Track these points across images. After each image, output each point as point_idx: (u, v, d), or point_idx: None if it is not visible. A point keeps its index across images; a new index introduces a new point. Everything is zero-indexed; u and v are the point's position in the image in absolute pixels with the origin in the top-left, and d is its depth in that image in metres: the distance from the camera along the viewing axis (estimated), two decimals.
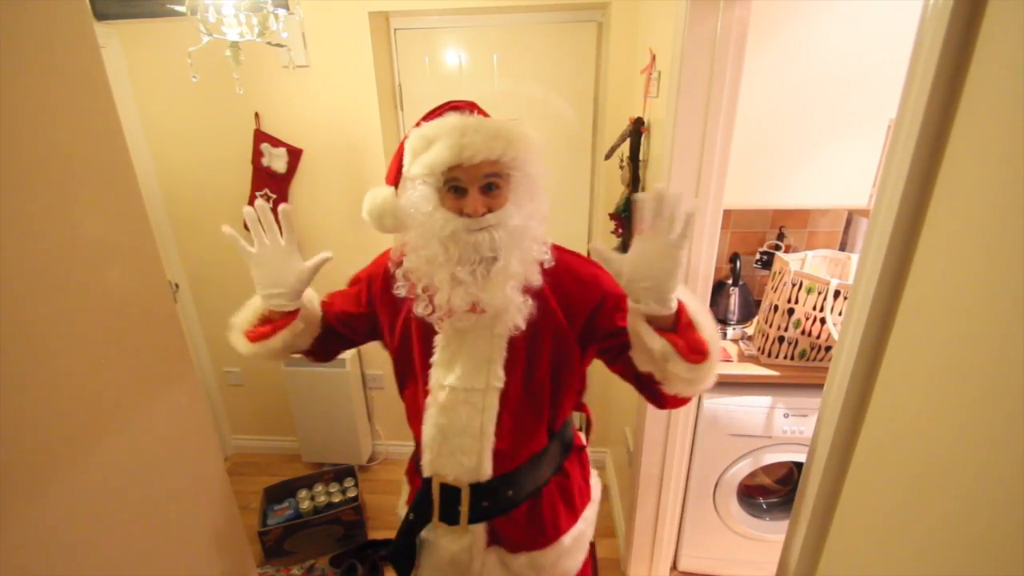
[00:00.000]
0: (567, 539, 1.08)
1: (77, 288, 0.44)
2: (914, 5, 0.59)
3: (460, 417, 0.97)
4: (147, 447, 0.53)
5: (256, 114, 2.08)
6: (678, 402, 0.96)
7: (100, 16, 1.94)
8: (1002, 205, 0.45)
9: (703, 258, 1.47)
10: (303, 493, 2.20)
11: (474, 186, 0.88)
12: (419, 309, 0.95)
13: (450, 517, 1.03)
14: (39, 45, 0.41)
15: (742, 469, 1.75)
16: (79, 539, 0.45)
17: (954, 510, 0.50)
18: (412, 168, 0.91)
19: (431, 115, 0.95)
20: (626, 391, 1.91)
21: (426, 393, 1.01)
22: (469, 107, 0.95)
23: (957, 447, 0.50)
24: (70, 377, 0.44)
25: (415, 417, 1.05)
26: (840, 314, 1.55)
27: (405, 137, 0.95)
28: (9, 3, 0.38)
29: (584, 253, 1.05)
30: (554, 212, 2.32)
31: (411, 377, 1.06)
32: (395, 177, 0.97)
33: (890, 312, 0.62)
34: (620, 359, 0.98)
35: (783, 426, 1.67)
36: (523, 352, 0.98)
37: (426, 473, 1.03)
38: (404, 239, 0.96)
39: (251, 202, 2.12)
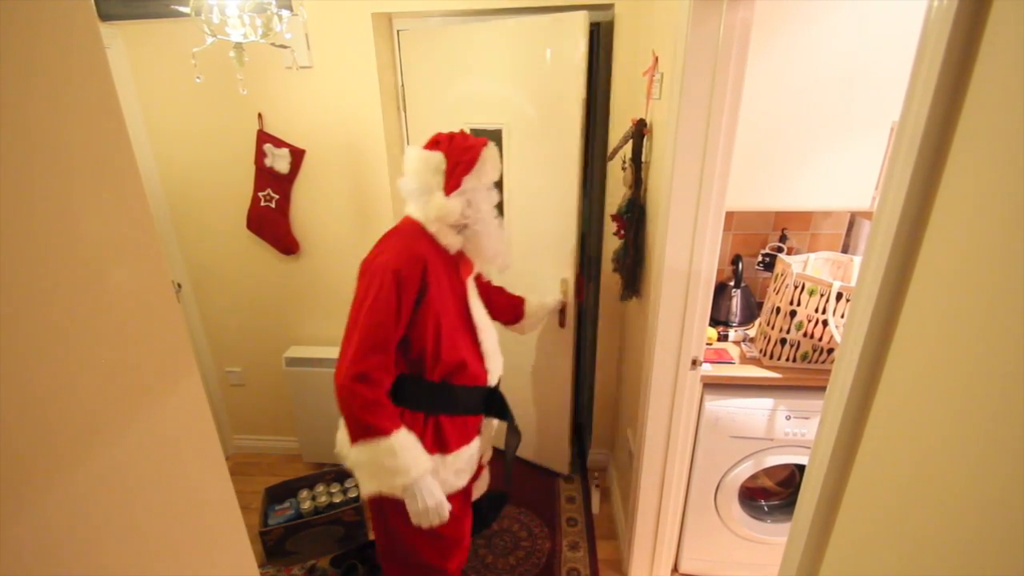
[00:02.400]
0: None
1: (79, 287, 0.45)
2: (918, 7, 0.59)
3: None
4: (148, 447, 0.53)
5: (259, 115, 2.09)
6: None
7: (105, 16, 1.95)
8: (1006, 208, 0.45)
9: (705, 260, 1.47)
10: (304, 493, 2.21)
11: None
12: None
13: None
14: (43, 45, 0.41)
15: (744, 471, 1.75)
16: (80, 540, 0.45)
17: (957, 513, 0.49)
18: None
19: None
20: (628, 393, 1.91)
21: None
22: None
23: (960, 450, 0.49)
24: (71, 377, 0.44)
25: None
26: (842, 316, 1.54)
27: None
28: (13, 3, 0.38)
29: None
30: (553, 211, 2.28)
31: None
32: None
33: (893, 314, 0.62)
34: None
35: (785, 428, 1.67)
36: None
37: None
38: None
39: (254, 202, 2.16)
